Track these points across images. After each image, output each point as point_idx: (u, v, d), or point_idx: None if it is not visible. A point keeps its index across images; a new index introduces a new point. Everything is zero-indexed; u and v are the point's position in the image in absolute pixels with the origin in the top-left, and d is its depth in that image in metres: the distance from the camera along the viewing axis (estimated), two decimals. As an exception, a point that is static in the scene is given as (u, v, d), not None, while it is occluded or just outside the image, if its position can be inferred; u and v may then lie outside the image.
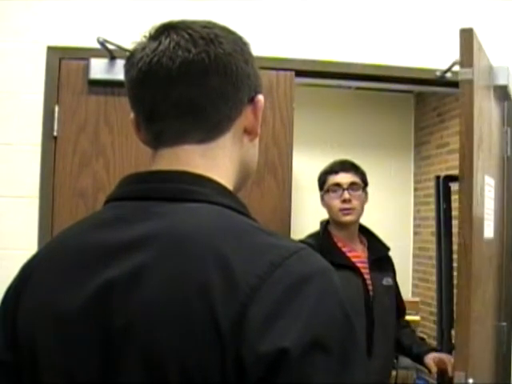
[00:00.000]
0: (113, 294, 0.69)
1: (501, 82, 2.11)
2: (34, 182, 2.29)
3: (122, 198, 0.79)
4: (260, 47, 2.56)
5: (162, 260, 0.68)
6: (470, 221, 1.73)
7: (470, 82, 1.75)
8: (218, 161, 0.80)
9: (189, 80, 0.76)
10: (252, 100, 0.82)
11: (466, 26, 1.77)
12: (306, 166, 3.04)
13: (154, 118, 0.79)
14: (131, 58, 0.79)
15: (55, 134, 2.30)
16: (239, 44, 0.81)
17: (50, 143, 2.31)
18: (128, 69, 0.80)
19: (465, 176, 1.75)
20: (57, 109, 2.31)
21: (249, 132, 0.83)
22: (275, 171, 2.41)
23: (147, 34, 0.80)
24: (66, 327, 0.72)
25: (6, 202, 2.29)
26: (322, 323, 0.64)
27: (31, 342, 0.74)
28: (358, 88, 3.58)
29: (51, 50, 2.32)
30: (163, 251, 0.69)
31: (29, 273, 0.80)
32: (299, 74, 2.47)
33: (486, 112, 2.01)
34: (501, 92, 2.20)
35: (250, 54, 0.83)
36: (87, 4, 2.36)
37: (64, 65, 2.33)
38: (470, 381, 1.71)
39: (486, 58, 2.04)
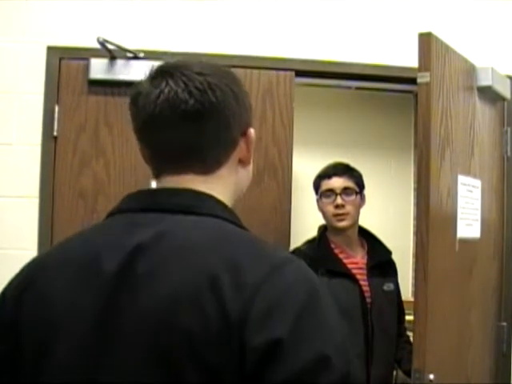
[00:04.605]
0: (122, 292, 0.76)
1: (484, 82, 2.11)
2: (33, 182, 2.29)
3: (128, 209, 0.87)
4: (260, 47, 2.57)
5: (176, 259, 0.77)
6: (427, 220, 1.80)
7: (428, 85, 1.79)
8: (215, 187, 0.90)
9: (187, 127, 0.87)
10: (244, 134, 0.92)
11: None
12: (306, 166, 3.04)
13: (159, 156, 0.90)
14: (136, 102, 0.89)
15: (55, 133, 2.31)
16: (230, 86, 0.90)
17: (50, 143, 2.31)
18: (134, 112, 0.90)
19: (422, 175, 1.82)
20: (57, 109, 2.31)
21: (243, 162, 0.94)
22: (275, 171, 2.42)
23: (147, 77, 0.89)
24: (78, 325, 0.77)
25: (6, 202, 2.29)
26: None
27: (39, 342, 0.79)
28: (358, 88, 3.57)
29: (51, 50, 2.32)
30: (175, 251, 0.78)
31: (33, 275, 0.84)
32: (299, 73, 2.47)
33: (462, 113, 2.02)
34: (492, 92, 2.19)
35: (240, 91, 0.92)
36: (87, 4, 2.36)
37: (64, 65, 2.33)
38: (431, 376, 1.71)
39: (463, 60, 2.03)
